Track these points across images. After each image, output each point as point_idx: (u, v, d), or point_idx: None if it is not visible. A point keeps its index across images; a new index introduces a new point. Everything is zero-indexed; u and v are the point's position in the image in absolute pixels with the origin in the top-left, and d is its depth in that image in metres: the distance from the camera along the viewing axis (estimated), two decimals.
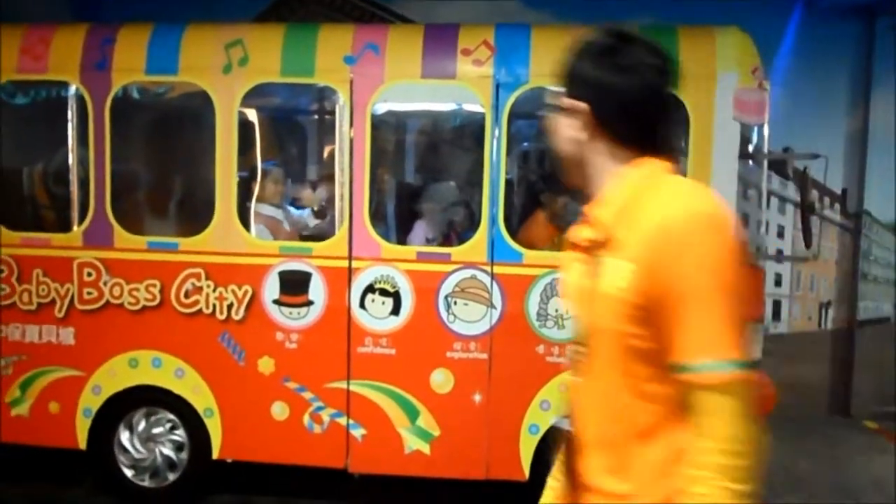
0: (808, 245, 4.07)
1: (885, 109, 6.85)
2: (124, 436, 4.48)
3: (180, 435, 4.47)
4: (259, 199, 4.66)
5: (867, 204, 7.14)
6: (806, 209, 4.04)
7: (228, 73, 4.20)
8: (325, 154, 5.28)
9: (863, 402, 7.04)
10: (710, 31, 4.07)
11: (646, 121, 1.51)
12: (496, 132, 4.07)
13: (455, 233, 4.85)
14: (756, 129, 4.09)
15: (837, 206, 6.70)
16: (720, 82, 3.94)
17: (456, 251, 4.20)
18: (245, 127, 4.38)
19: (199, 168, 4.42)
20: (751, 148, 4.11)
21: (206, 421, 4.36)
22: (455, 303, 4.14)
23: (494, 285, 4.12)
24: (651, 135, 1.52)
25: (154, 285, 4.31)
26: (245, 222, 4.37)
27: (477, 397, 4.19)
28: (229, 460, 4.40)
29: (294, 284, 4.24)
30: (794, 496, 4.96)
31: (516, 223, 4.77)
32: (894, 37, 6.79)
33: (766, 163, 4.16)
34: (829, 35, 6.77)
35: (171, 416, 4.45)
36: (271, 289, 4.24)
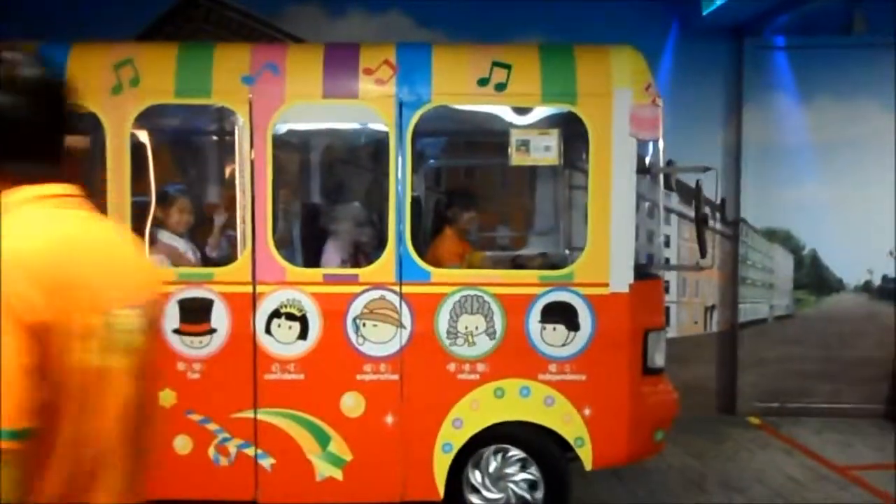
0: (703, 255, 4.24)
1: (756, 124, 7.23)
2: None
3: None
4: (160, 226, 4.46)
5: (743, 212, 7.51)
6: (700, 221, 4.22)
7: (119, 93, 4.02)
8: (226, 176, 5.13)
9: (746, 399, 7.39)
10: (604, 49, 4.19)
11: (19, 143, 1.37)
12: (400, 151, 4.05)
13: (363, 254, 4.81)
14: (651, 143, 4.25)
15: (717, 214, 6.99)
16: (616, 99, 4.06)
17: (364, 272, 4.15)
18: (138, 150, 4.18)
19: (90, 194, 4.19)
20: (646, 162, 4.26)
21: None
22: (364, 324, 4.09)
23: (403, 305, 4.09)
24: (32, 158, 1.39)
25: None
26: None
27: (389, 419, 4.14)
28: None
29: (195, 312, 4.08)
30: (688, 495, 5.17)
31: (425, 241, 4.78)
32: (761, 56, 7.26)
33: (661, 176, 4.33)
34: (702, 54, 7.13)
35: None
36: (171, 318, 4.06)
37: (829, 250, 7.51)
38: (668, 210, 5.54)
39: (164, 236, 4.45)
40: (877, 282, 7.32)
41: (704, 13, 6.70)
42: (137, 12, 6.80)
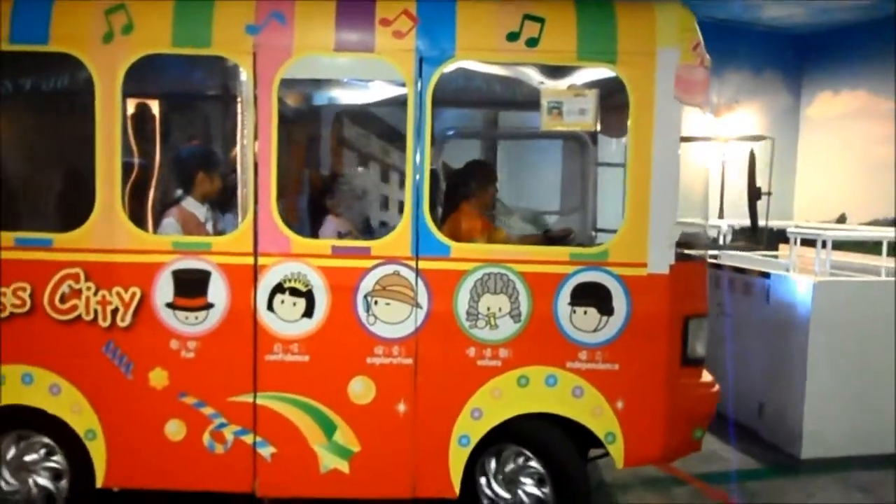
0: (754, 231, 3.84)
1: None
2: None
3: (58, 462, 3.89)
4: (184, 191, 4.12)
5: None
6: (753, 194, 3.81)
7: (109, 42, 3.65)
8: (225, 136, 4.74)
9: None
10: (648, 5, 3.78)
11: None
12: (419, 111, 3.67)
13: (373, 225, 4.44)
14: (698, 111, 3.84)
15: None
16: (660, 59, 3.66)
17: (376, 245, 3.76)
18: (132, 105, 3.82)
19: (78, 153, 3.85)
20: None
21: (88, 444, 3.78)
22: (376, 302, 3.72)
23: (420, 282, 3.71)
24: None
25: (24, 289, 3.71)
26: (140, 215, 3.80)
27: (401, 407, 3.78)
28: (116, 489, 3.85)
29: (191, 285, 3.72)
30: None
31: (441, 217, 4.40)
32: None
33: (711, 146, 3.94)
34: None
35: (47, 441, 3.88)
36: (164, 290, 3.71)
37: None
38: None
39: (189, 203, 4.09)
40: None
41: None
42: None
